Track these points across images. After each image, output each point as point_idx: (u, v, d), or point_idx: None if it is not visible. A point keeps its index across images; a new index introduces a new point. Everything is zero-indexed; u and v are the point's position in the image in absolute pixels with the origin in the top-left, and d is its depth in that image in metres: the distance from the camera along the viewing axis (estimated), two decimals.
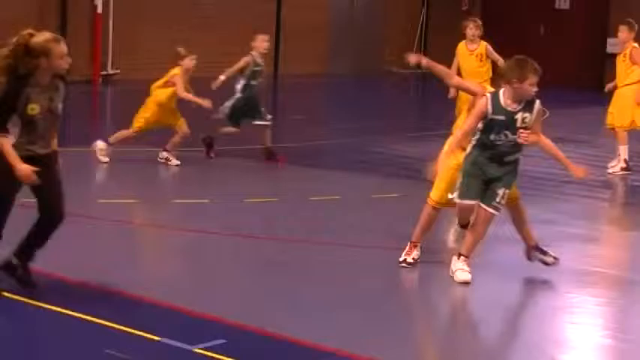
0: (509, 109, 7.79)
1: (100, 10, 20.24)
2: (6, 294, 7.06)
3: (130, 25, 20.65)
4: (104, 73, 20.40)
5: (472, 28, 14.02)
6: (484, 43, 14.05)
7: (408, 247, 8.48)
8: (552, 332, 7.43)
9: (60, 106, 6.97)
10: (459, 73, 14.20)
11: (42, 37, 6.86)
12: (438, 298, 8.08)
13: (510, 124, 7.79)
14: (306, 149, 13.88)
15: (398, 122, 17.76)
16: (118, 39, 20.51)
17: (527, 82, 7.72)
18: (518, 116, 7.80)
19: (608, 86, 14.09)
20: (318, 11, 24.13)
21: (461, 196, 7.99)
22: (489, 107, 7.79)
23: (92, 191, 11.19)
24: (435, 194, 8.44)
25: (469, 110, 8.22)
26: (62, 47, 6.87)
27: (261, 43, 12.93)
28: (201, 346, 6.30)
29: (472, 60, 14.03)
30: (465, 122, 8.15)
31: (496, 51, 14.14)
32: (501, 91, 7.83)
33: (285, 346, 6.51)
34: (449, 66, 15.64)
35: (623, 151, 13.59)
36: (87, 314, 6.75)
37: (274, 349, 6.50)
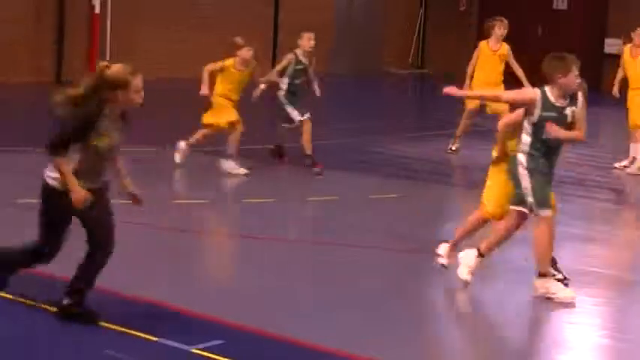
0: (558, 104, 7.74)
1: (97, 10, 20.19)
2: (4, 295, 7.04)
3: (127, 26, 20.60)
4: None
5: (500, 28, 14.17)
6: (506, 45, 14.19)
7: (447, 249, 8.31)
8: (551, 332, 7.42)
9: (119, 145, 6.77)
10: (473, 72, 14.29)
11: (120, 69, 6.62)
12: (438, 298, 8.07)
13: (562, 120, 7.73)
14: None
15: (397, 122, 17.72)
16: (116, 39, 20.46)
17: (571, 73, 7.72)
18: (568, 111, 7.77)
19: (615, 90, 14.09)
20: (315, 12, 24.09)
21: (548, 206, 7.75)
22: (538, 102, 7.70)
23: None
24: (490, 206, 8.22)
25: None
26: (139, 81, 6.63)
27: (308, 41, 12.53)
28: (200, 346, 6.28)
29: (494, 59, 14.16)
30: (511, 94, 8.00)
31: None
32: (547, 90, 7.75)
33: (284, 347, 6.50)
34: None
35: (634, 149, 13.68)
36: None
37: (273, 349, 6.48)
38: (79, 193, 6.55)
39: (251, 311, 7.13)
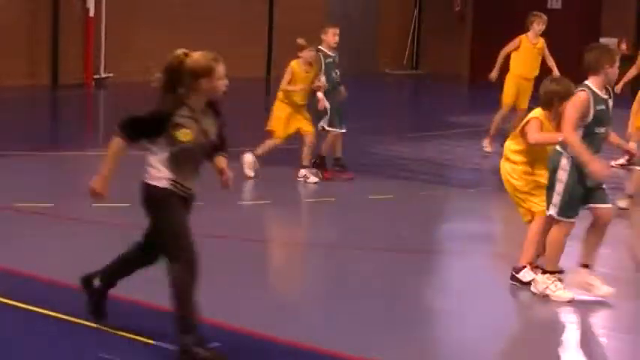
0: (603, 96, 7.69)
1: (92, 13, 20.16)
2: (2, 299, 7.02)
3: (123, 28, 20.58)
4: (97, 76, 20.33)
5: (539, 24, 14.56)
6: (543, 40, 14.59)
7: (529, 268, 8.05)
8: (550, 332, 7.40)
9: (213, 137, 6.28)
10: (507, 62, 14.51)
11: (202, 55, 6.20)
12: (438, 298, 8.04)
13: (607, 112, 7.70)
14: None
15: (394, 123, 17.72)
16: (111, 42, 20.44)
17: (616, 64, 7.70)
18: (610, 103, 7.74)
19: (619, 87, 14.14)
20: (312, 13, 24.07)
21: (570, 216, 7.68)
22: (591, 100, 7.59)
23: (86, 195, 11.11)
24: (535, 209, 8.08)
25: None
26: (222, 67, 6.19)
27: (333, 36, 12.18)
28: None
29: (534, 53, 14.56)
30: (567, 119, 7.61)
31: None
32: (590, 84, 7.66)
33: (282, 349, 6.46)
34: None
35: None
36: (81, 318, 6.69)
37: (271, 351, 6.44)
38: (100, 181, 6.26)
39: (248, 313, 7.09)
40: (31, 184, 11.05)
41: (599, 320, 7.66)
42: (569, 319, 7.55)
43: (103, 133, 16.61)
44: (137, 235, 9.29)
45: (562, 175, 7.65)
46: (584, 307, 7.75)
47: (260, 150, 11.88)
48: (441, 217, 11.08)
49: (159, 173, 6.23)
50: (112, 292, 7.28)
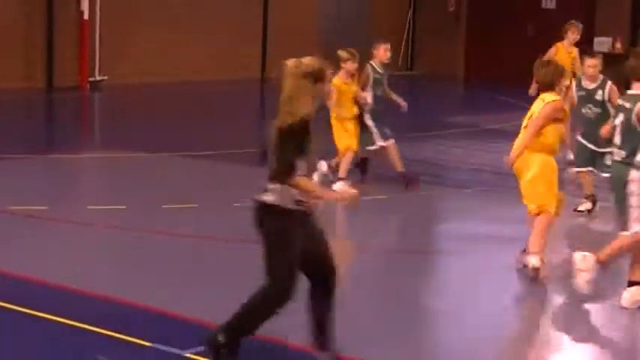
0: None
1: (86, 15, 20.14)
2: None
3: (118, 31, 20.54)
4: (92, 79, 20.29)
5: (574, 32, 14.69)
6: (576, 50, 14.71)
7: (539, 258, 8.07)
8: (548, 332, 7.40)
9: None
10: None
11: (312, 59, 5.81)
12: (437, 298, 8.02)
13: None
14: None
15: (390, 124, 17.67)
16: (106, 45, 20.41)
17: None
18: None
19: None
20: (305, 14, 24.08)
21: None
22: None
23: (81, 198, 11.11)
24: (548, 205, 8.10)
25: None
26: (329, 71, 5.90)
27: (384, 52, 12.11)
28: (193, 351, 6.22)
29: (568, 61, 14.44)
30: None
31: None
32: (637, 92, 7.61)
33: (280, 350, 6.44)
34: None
35: None
36: (78, 321, 6.68)
37: (269, 353, 6.42)
38: (342, 194, 5.98)
39: None
40: (26, 186, 11.02)
41: (599, 320, 7.64)
42: (569, 318, 7.54)
43: (98, 135, 16.59)
44: (132, 237, 9.24)
45: (635, 187, 7.50)
46: (583, 307, 7.74)
47: (342, 172, 11.69)
48: (439, 217, 11.06)
49: (289, 192, 5.80)
50: (111, 293, 7.26)
